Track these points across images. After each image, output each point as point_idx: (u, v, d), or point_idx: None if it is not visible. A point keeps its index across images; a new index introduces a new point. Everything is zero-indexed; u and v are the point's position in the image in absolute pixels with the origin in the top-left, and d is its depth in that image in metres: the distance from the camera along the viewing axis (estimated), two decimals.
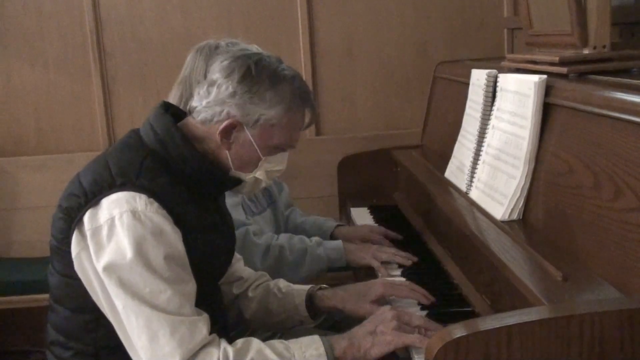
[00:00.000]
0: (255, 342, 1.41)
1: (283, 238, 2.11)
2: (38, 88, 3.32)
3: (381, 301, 1.65)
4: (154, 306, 1.35)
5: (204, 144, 1.51)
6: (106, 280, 1.37)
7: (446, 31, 3.36)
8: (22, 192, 3.26)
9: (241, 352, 1.38)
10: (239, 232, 1.99)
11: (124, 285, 1.35)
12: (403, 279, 1.85)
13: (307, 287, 1.72)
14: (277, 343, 1.42)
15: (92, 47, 3.27)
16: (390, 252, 2.01)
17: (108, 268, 1.36)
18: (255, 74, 1.46)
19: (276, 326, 1.77)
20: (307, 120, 1.57)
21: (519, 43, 3.10)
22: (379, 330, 1.43)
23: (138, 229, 1.36)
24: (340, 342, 1.43)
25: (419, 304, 1.66)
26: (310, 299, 1.69)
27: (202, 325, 1.38)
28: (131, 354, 1.40)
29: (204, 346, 1.36)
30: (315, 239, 2.15)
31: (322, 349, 1.39)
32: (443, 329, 1.15)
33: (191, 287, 1.42)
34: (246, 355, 1.37)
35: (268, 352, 1.38)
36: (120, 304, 1.36)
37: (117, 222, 1.37)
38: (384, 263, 2.00)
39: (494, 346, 1.07)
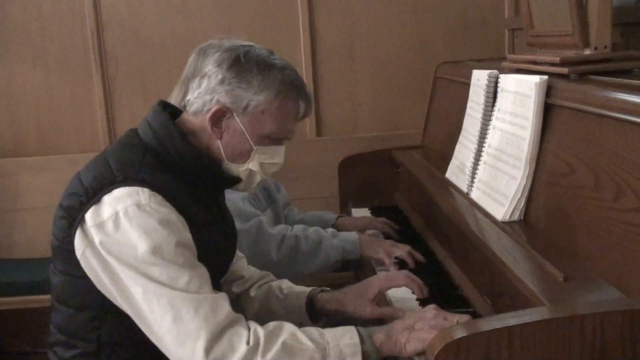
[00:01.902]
0: (289, 326, 1.40)
1: (298, 228, 2.11)
2: (39, 89, 3.32)
3: (381, 298, 1.66)
4: (174, 288, 1.35)
5: (198, 137, 1.51)
6: (121, 270, 1.36)
7: (447, 31, 3.36)
8: (23, 193, 3.26)
9: (274, 333, 1.36)
10: (251, 224, 1.99)
11: (142, 274, 1.35)
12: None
13: (308, 289, 1.71)
14: (311, 329, 1.41)
15: (93, 48, 3.27)
16: (404, 250, 2.00)
17: (121, 260, 1.36)
18: (244, 61, 1.48)
19: None
20: (301, 110, 1.55)
21: (520, 43, 3.10)
22: (417, 326, 1.41)
23: (146, 220, 1.36)
24: (378, 334, 1.41)
25: (417, 299, 1.68)
26: (310, 301, 1.68)
27: (223, 301, 1.38)
28: (155, 341, 1.38)
29: (232, 325, 1.35)
30: (330, 230, 2.16)
31: (356, 338, 1.37)
32: (443, 330, 1.15)
33: (204, 271, 1.42)
34: (279, 337, 1.35)
35: (301, 336, 1.37)
36: (140, 290, 1.35)
37: (122, 216, 1.37)
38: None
39: (495, 347, 1.07)
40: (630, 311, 1.08)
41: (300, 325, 1.66)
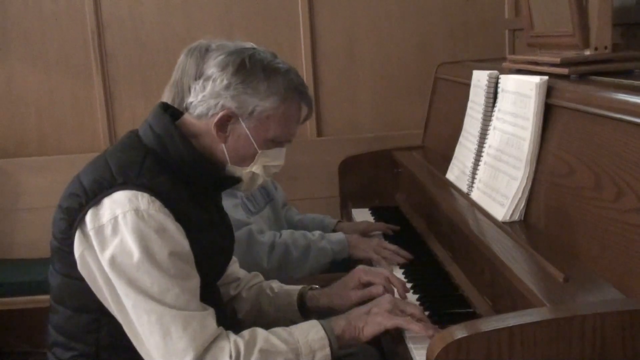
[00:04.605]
0: (261, 331, 1.44)
1: (285, 235, 2.12)
2: (39, 89, 3.32)
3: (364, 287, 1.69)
4: (163, 303, 1.36)
5: (200, 140, 1.51)
6: (114, 279, 1.38)
7: (447, 32, 3.36)
8: (23, 193, 3.26)
9: (250, 342, 1.40)
10: (241, 232, 1.99)
11: (133, 284, 1.36)
12: (401, 275, 1.86)
13: (298, 287, 1.74)
14: (280, 330, 1.46)
15: (93, 48, 3.28)
16: (391, 250, 2.04)
17: (115, 266, 1.37)
18: (250, 66, 1.47)
19: (268, 326, 1.78)
20: (303, 113, 1.56)
21: (520, 44, 3.10)
22: (373, 311, 1.49)
23: (142, 227, 1.37)
24: (339, 322, 1.49)
25: (418, 300, 1.69)
26: (301, 298, 1.71)
27: (210, 318, 1.40)
28: (141, 352, 1.40)
29: (215, 340, 1.38)
30: (317, 232, 2.18)
31: (322, 332, 1.45)
32: (444, 330, 1.15)
33: (196, 282, 1.43)
34: (255, 345, 1.40)
35: (274, 339, 1.42)
36: (130, 303, 1.37)
37: (120, 221, 1.37)
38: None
39: (495, 347, 1.07)
40: (630, 311, 1.08)
41: (291, 323, 1.68)
